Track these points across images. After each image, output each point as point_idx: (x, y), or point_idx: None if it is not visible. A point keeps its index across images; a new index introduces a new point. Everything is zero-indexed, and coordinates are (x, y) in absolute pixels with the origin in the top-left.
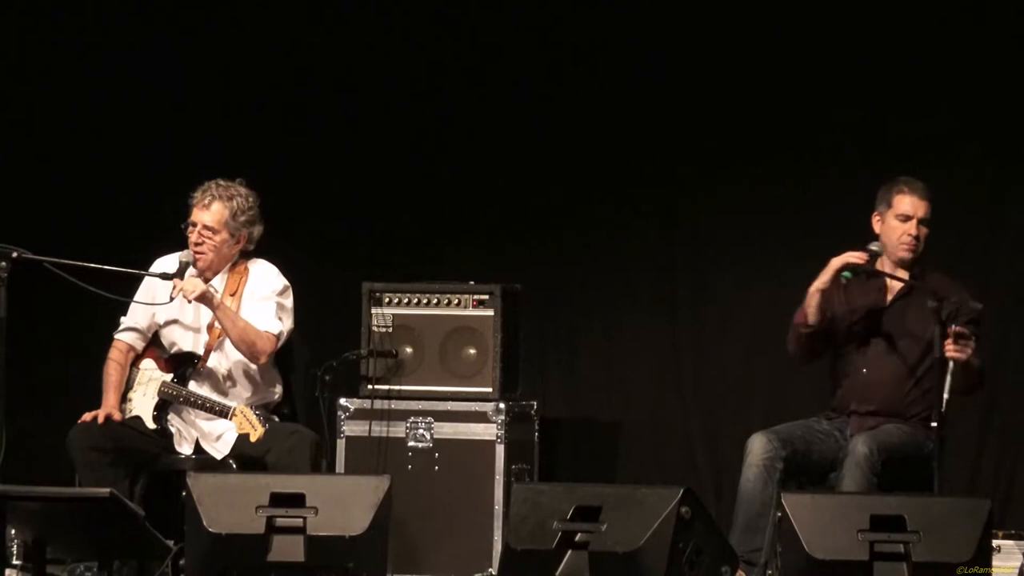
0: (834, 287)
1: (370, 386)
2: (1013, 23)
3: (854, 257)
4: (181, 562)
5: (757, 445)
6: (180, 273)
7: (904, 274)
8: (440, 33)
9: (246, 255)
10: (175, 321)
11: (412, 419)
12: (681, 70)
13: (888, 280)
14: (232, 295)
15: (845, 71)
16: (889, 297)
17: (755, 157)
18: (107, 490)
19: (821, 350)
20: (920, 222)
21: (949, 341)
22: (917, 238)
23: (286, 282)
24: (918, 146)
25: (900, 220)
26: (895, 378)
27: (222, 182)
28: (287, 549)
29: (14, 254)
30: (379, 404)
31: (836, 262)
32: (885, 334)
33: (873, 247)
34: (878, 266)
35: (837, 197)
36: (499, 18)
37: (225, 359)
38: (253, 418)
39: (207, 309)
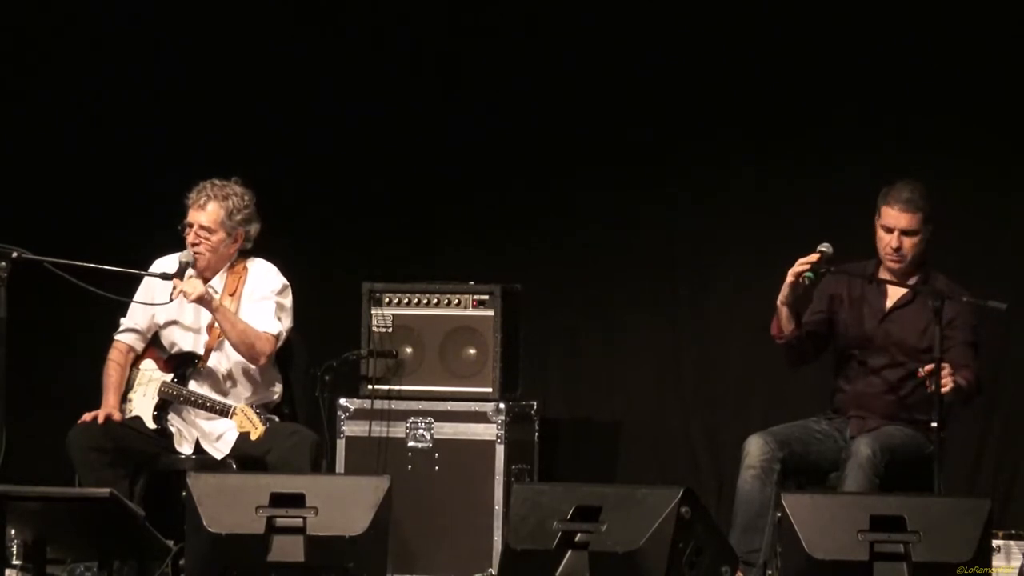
0: (819, 292)
1: (370, 386)
2: (1013, 23)
3: (804, 263)
4: (181, 562)
5: (754, 447)
6: (180, 273)
7: (887, 275)
8: (440, 33)
9: (244, 254)
10: (175, 322)
11: (412, 419)
12: (681, 70)
13: (889, 285)
14: (231, 295)
15: (845, 71)
16: (889, 303)
17: (755, 157)
18: (107, 490)
19: (810, 357)
20: (904, 233)
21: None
22: (899, 250)
23: (285, 281)
24: (919, 146)
25: (884, 231)
26: (895, 384)
27: (217, 181)
28: (287, 549)
29: (14, 254)
30: (379, 404)
31: (790, 274)
32: (886, 339)
33: (823, 248)
34: (881, 273)
35: (837, 197)
36: (499, 18)
37: (225, 359)
38: (253, 416)
39: (205, 308)
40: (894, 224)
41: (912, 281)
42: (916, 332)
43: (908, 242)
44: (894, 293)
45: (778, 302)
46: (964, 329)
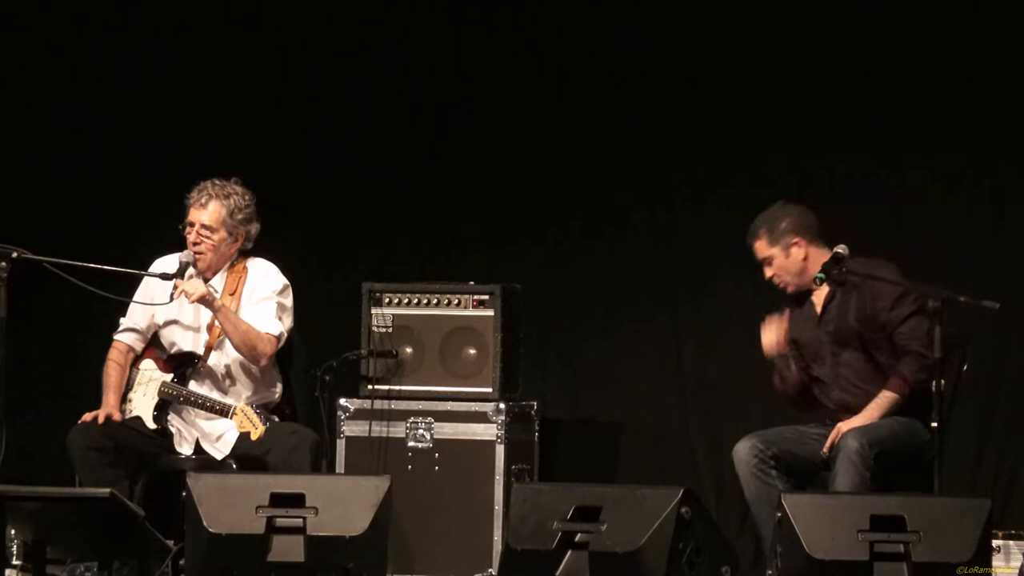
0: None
1: (370, 386)
2: (1013, 23)
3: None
4: (181, 562)
5: (742, 451)
6: (180, 273)
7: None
8: (439, 34)
9: (244, 254)
10: (175, 321)
11: (412, 419)
12: (681, 70)
13: (813, 295)
14: (231, 295)
15: (845, 71)
16: (819, 306)
17: (755, 157)
18: (107, 490)
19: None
20: (764, 263)
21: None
22: (772, 278)
23: (285, 281)
24: (918, 146)
25: None
26: (862, 382)
27: (217, 181)
28: (287, 549)
29: (14, 254)
30: (379, 404)
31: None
32: (832, 339)
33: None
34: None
35: (837, 197)
36: (497, 17)
37: (225, 359)
38: (254, 416)
39: (206, 308)
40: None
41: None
42: (853, 319)
43: (770, 269)
44: (819, 295)
45: (767, 354)
46: (901, 304)
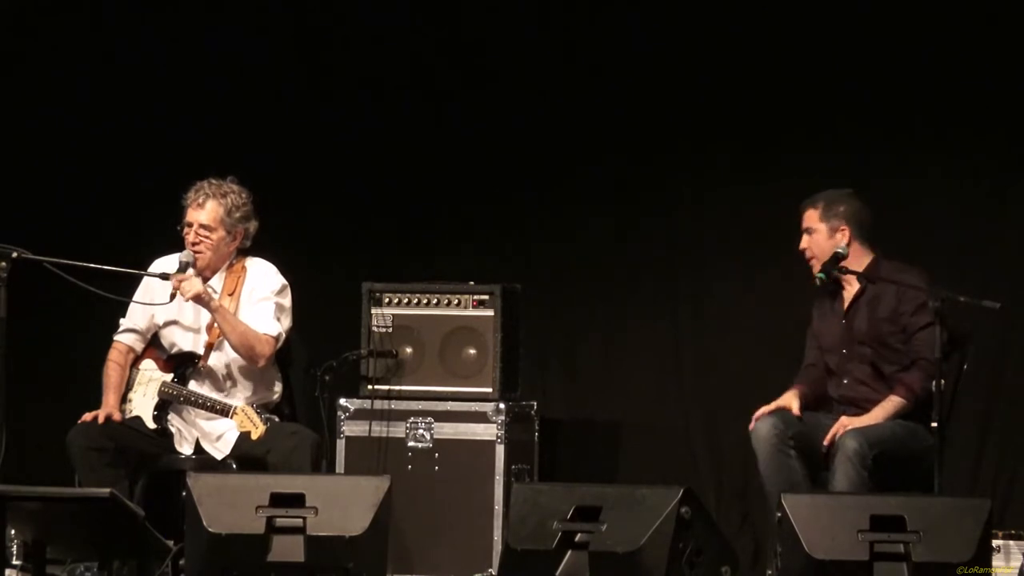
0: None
1: (370, 386)
2: (1013, 22)
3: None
4: (181, 562)
5: (763, 430)
6: (180, 274)
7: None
8: (441, 34)
9: (243, 253)
10: (174, 322)
11: (412, 419)
12: (682, 69)
13: (844, 286)
14: (230, 295)
15: (846, 71)
16: (847, 304)
17: (756, 156)
18: (107, 490)
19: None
20: (805, 231)
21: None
22: (804, 250)
23: (284, 281)
24: (918, 146)
25: None
26: (875, 382)
27: (214, 180)
28: (287, 549)
29: (14, 254)
30: (379, 404)
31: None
32: (851, 337)
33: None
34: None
35: None
36: (497, 16)
37: (225, 358)
38: (254, 416)
39: (204, 308)
40: (802, 225)
41: (866, 272)
42: (876, 321)
43: (808, 239)
44: (849, 291)
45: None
46: (922, 312)
